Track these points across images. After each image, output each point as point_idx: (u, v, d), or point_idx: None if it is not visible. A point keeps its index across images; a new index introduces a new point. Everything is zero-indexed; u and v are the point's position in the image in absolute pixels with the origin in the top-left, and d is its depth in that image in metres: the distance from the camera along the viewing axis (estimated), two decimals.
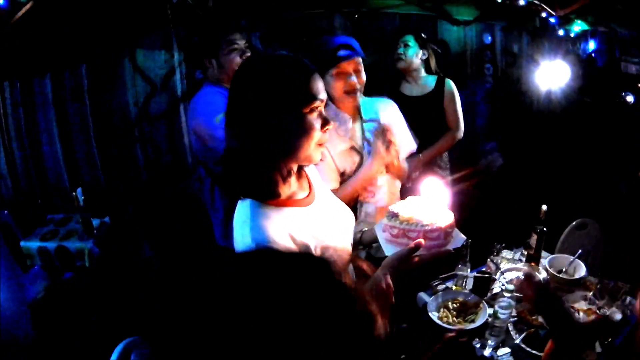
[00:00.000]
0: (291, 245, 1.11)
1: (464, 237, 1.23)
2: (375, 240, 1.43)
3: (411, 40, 2.70)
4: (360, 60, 1.75)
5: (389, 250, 1.18)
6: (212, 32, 1.95)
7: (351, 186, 1.73)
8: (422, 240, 1.12)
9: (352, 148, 1.81)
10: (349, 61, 1.71)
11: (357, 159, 1.80)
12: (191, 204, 2.52)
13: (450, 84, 2.78)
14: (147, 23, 2.79)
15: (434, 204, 1.25)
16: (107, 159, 2.95)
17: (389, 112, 1.91)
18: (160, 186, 2.91)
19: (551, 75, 3.14)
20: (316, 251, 1.17)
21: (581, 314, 1.76)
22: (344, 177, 1.76)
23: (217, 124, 1.77)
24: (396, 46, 2.73)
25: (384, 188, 1.85)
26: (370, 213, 1.84)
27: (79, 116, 2.90)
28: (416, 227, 1.15)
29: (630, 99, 3.47)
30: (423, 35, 2.74)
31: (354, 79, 1.73)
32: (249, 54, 1.91)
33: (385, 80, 2.92)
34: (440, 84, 2.76)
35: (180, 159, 2.88)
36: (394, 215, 1.21)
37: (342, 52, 1.69)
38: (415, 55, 2.72)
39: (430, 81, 2.78)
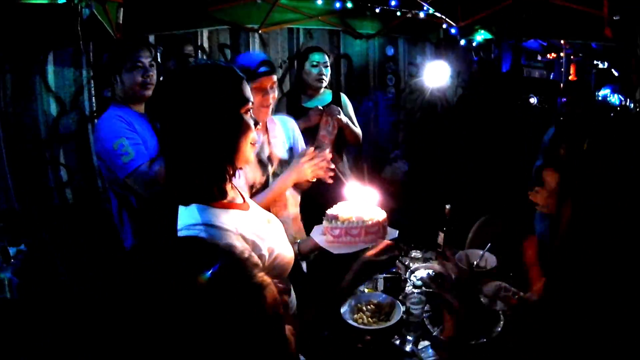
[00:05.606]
0: (243, 243, 1.14)
1: (396, 230, 1.36)
2: (312, 249, 1.56)
3: (327, 61, 2.83)
4: (275, 78, 1.85)
5: (335, 250, 1.28)
6: (118, 49, 1.94)
7: (269, 195, 1.77)
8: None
9: (260, 161, 1.88)
10: (268, 77, 1.80)
11: (264, 171, 1.88)
12: (103, 226, 2.45)
13: (345, 97, 2.98)
14: (58, 39, 2.69)
15: (364, 203, 1.36)
16: (19, 182, 2.79)
17: (294, 127, 2.05)
18: (73, 209, 2.80)
19: (449, 79, 3.36)
20: (266, 251, 1.21)
21: (500, 302, 1.89)
22: (252, 190, 1.81)
23: (116, 150, 1.78)
24: (304, 62, 2.82)
25: (291, 200, 1.94)
26: (288, 224, 1.90)
27: None
28: (357, 224, 1.26)
29: (533, 100, 3.83)
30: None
31: (269, 94, 1.82)
32: (151, 73, 1.92)
33: (286, 94, 3.02)
34: (336, 97, 2.94)
35: (91, 180, 2.80)
36: (334, 218, 1.31)
37: (263, 68, 1.79)
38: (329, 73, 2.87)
39: (327, 95, 2.93)
